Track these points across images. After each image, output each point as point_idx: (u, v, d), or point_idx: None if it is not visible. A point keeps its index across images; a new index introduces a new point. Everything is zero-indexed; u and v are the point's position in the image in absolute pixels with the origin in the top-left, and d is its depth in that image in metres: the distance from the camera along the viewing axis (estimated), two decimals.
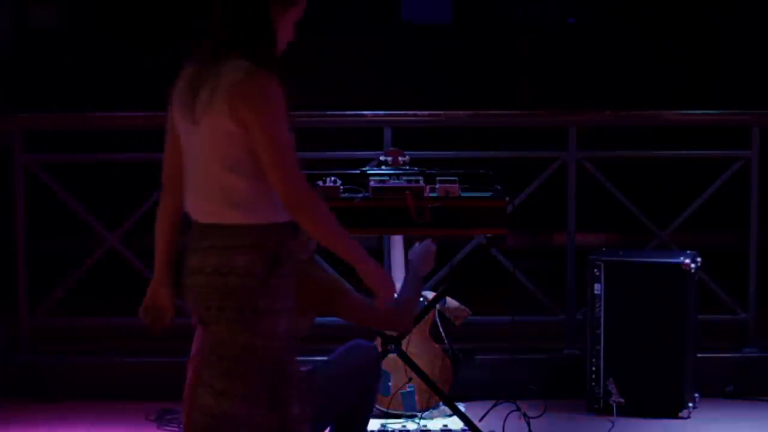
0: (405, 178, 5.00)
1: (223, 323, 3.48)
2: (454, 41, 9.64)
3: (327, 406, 4.27)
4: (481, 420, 5.36)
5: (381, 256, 5.95)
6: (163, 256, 3.74)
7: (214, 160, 3.48)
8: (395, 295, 3.75)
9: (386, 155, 5.21)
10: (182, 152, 3.59)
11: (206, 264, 3.49)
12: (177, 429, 5.40)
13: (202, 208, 3.53)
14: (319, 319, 6.05)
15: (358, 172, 5.09)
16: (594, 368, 5.68)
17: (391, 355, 5.13)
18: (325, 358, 4.45)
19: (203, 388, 3.53)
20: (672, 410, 5.60)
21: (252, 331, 3.47)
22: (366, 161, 5.82)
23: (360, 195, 4.95)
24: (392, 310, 4.30)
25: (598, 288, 5.66)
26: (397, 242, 5.63)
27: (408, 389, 5.47)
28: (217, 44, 3.53)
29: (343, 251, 3.51)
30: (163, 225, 3.72)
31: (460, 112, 6.33)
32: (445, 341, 5.48)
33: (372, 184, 4.95)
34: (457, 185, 4.94)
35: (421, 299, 5.55)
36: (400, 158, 5.16)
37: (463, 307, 5.55)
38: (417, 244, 4.70)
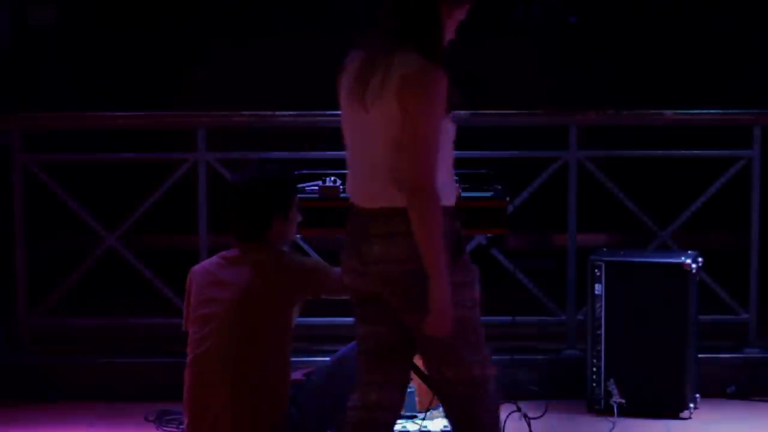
0: None
1: (412, 306, 3.65)
2: (454, 40, 9.61)
3: (328, 406, 4.25)
4: None
5: None
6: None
7: (383, 145, 3.65)
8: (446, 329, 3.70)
9: None
10: (347, 138, 3.78)
11: (391, 251, 3.65)
12: (176, 429, 5.39)
13: (370, 191, 3.71)
14: (319, 320, 6.07)
15: None
16: (595, 369, 5.67)
17: None
18: (327, 358, 4.43)
19: (432, 367, 3.78)
20: (673, 411, 5.59)
21: (458, 306, 3.64)
22: None
23: None
24: None
25: (598, 288, 5.65)
26: None
27: (408, 390, 5.46)
28: (389, 35, 3.69)
29: (431, 259, 3.58)
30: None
31: (460, 112, 6.29)
32: None
33: None
34: (457, 185, 4.92)
35: None
36: None
37: None
38: None
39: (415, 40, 3.67)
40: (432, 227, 3.58)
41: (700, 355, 5.70)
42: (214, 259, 4.27)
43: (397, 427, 5.40)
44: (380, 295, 3.75)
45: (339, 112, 6.20)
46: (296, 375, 4.36)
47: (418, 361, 5.17)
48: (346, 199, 4.88)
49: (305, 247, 5.27)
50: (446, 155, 3.73)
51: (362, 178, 3.76)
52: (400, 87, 3.62)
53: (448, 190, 3.72)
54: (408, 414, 5.47)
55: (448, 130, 3.73)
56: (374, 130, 3.67)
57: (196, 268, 4.28)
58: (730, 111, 6.33)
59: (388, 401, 3.88)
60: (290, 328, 4.17)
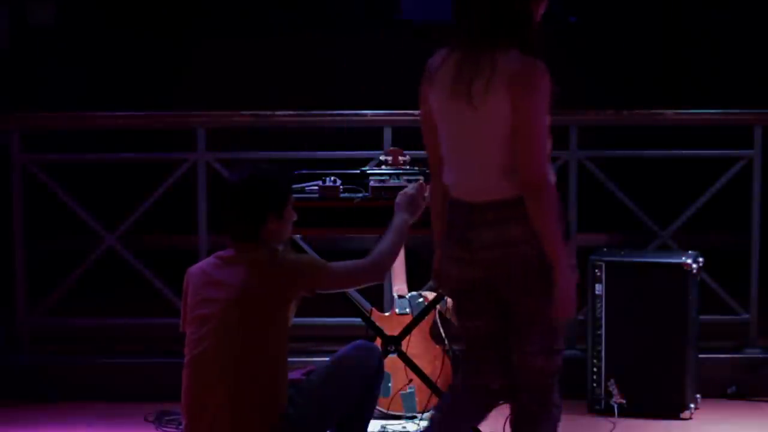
0: (405, 177, 4.98)
1: (524, 290, 3.82)
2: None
3: (328, 406, 4.24)
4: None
5: None
6: (439, 229, 4.05)
7: (492, 141, 3.79)
8: (570, 313, 3.85)
9: (386, 155, 5.19)
10: (445, 136, 3.91)
11: (500, 239, 3.80)
12: (176, 430, 5.38)
13: (477, 185, 3.85)
14: (319, 320, 6.07)
15: (358, 171, 5.06)
16: (595, 369, 5.67)
17: (391, 356, 5.11)
18: (327, 358, 4.42)
19: (527, 354, 3.91)
20: (673, 411, 5.59)
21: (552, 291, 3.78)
22: (366, 161, 5.80)
23: (360, 195, 4.92)
24: (373, 260, 4.30)
25: (599, 288, 5.64)
26: None
27: (408, 390, 5.46)
28: (486, 34, 3.81)
29: (553, 246, 3.75)
30: (438, 205, 4.05)
31: None
32: (446, 342, 5.46)
33: (372, 183, 4.93)
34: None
35: (421, 299, 5.54)
36: (400, 158, 5.14)
37: None
38: (406, 187, 4.61)
39: (512, 38, 3.81)
40: (552, 216, 3.75)
41: (700, 356, 5.69)
42: (209, 259, 4.26)
43: (397, 427, 5.40)
44: (487, 282, 3.89)
45: (339, 112, 6.27)
46: (295, 374, 4.35)
47: (418, 361, 5.17)
48: (346, 199, 4.91)
49: (305, 247, 5.26)
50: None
51: (467, 172, 3.89)
52: (509, 84, 3.76)
53: (552, 177, 3.85)
54: (408, 414, 5.46)
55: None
56: (482, 127, 3.81)
57: (192, 269, 4.27)
58: (730, 111, 6.31)
59: (493, 384, 4.07)
60: (287, 326, 4.16)
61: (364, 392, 4.32)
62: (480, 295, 3.94)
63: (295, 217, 4.31)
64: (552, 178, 3.82)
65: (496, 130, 3.80)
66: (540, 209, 3.75)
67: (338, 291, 4.38)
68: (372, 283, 4.35)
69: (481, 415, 4.19)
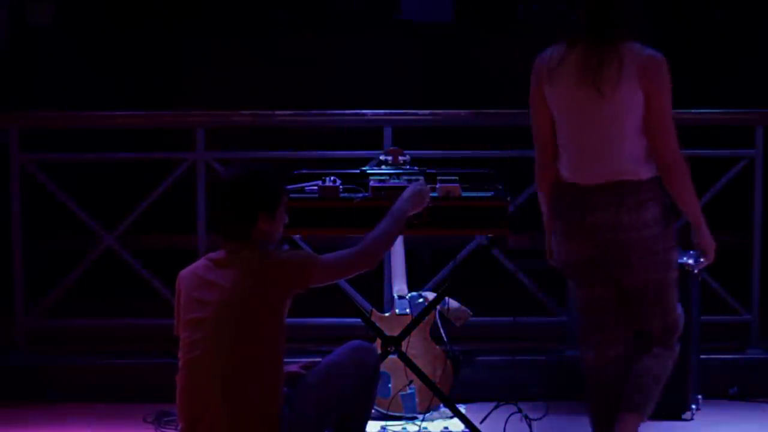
0: (405, 177, 4.97)
1: (641, 269, 4.29)
2: (455, 39, 9.60)
3: (324, 407, 4.22)
4: (482, 422, 5.33)
5: None
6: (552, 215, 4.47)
7: (623, 128, 4.23)
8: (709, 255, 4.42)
9: (386, 155, 5.18)
10: (568, 126, 4.31)
11: (620, 221, 4.26)
12: (174, 431, 5.36)
13: (597, 170, 4.27)
14: (318, 320, 6.05)
15: (358, 171, 5.05)
16: None
17: (392, 357, 5.09)
18: (323, 358, 4.40)
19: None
20: (675, 412, 5.56)
21: (668, 267, 4.32)
22: (366, 161, 5.78)
23: (360, 195, 4.91)
24: (365, 247, 4.30)
25: None
26: (397, 242, 5.60)
27: (408, 391, 5.44)
28: (610, 27, 4.24)
29: (692, 212, 4.33)
30: (547, 189, 4.48)
31: (461, 111, 6.29)
32: (446, 342, 5.45)
33: (372, 183, 4.92)
34: (457, 185, 4.90)
35: (421, 300, 5.52)
36: (400, 158, 5.14)
37: (464, 308, 5.53)
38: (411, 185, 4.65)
39: (632, 31, 4.26)
40: (689, 187, 4.27)
41: (702, 356, 5.67)
42: (201, 261, 4.24)
43: (397, 428, 5.39)
44: (618, 253, 4.31)
45: (339, 112, 6.25)
46: (293, 367, 4.33)
47: (418, 361, 5.15)
48: (346, 199, 4.89)
49: (305, 247, 5.24)
50: None
51: (592, 158, 4.29)
52: (639, 75, 4.22)
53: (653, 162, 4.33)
54: (408, 415, 5.45)
55: None
56: (612, 116, 4.23)
57: (184, 272, 4.25)
58: (732, 110, 6.29)
59: (620, 353, 4.49)
60: (282, 326, 4.14)
61: (361, 392, 4.29)
62: (596, 270, 4.39)
63: (286, 220, 4.29)
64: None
65: (626, 118, 4.23)
66: (680, 183, 4.26)
67: (332, 282, 4.34)
68: (365, 270, 4.31)
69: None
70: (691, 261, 5.53)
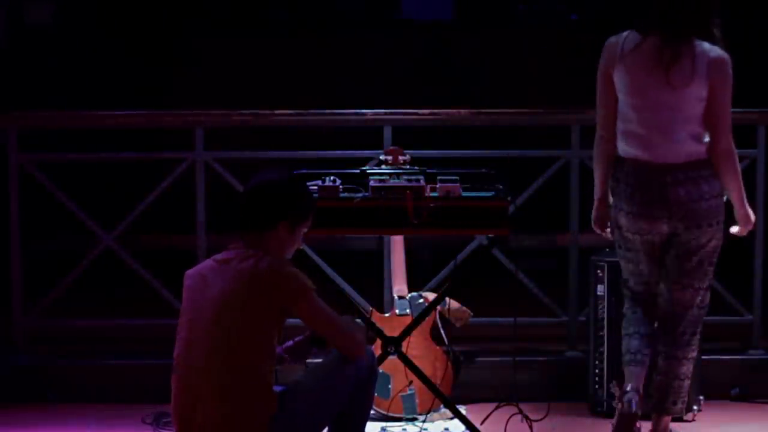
0: (405, 177, 4.95)
1: (705, 234, 4.77)
2: (456, 38, 9.59)
3: (319, 408, 4.20)
4: (482, 423, 5.31)
5: (381, 256, 5.90)
6: (604, 185, 4.91)
7: (688, 115, 4.69)
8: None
9: (386, 154, 5.17)
10: (636, 108, 4.73)
11: (701, 190, 4.73)
12: None
13: (672, 150, 4.72)
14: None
15: (358, 171, 5.03)
16: (597, 370, 5.63)
17: (391, 357, 5.07)
18: (320, 360, 4.38)
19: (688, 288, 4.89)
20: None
21: (720, 235, 4.79)
22: (366, 160, 5.76)
23: (360, 195, 4.89)
24: (359, 336, 4.29)
25: (601, 289, 5.60)
26: (397, 242, 5.59)
27: (408, 392, 5.42)
28: (688, 25, 4.67)
29: (740, 191, 4.80)
30: (604, 162, 4.88)
31: (462, 111, 6.27)
32: (446, 343, 5.43)
33: (372, 183, 4.90)
34: (458, 185, 4.88)
35: (422, 300, 5.50)
36: (400, 157, 5.13)
37: (464, 308, 5.52)
38: None
39: (703, 31, 4.69)
40: (738, 173, 4.77)
41: (703, 357, 5.65)
42: (207, 262, 4.24)
43: (397, 429, 5.37)
44: (672, 231, 4.78)
45: (338, 111, 6.22)
46: (279, 349, 4.30)
47: (418, 362, 5.13)
48: (346, 198, 4.87)
49: (305, 247, 5.22)
50: None
51: (661, 140, 4.72)
52: (709, 71, 4.66)
53: None
54: (408, 416, 5.43)
55: None
56: (680, 105, 4.68)
57: (190, 271, 4.24)
58: (734, 110, 6.25)
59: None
60: (277, 331, 4.12)
61: (358, 393, 4.26)
62: (658, 244, 4.83)
63: (302, 245, 4.30)
64: None
65: (692, 107, 4.69)
66: (731, 169, 4.75)
67: (310, 325, 4.26)
68: (344, 350, 4.25)
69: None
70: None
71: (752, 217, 4.88)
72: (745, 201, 4.85)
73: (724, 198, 4.82)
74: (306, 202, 4.30)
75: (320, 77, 9.26)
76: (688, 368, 4.91)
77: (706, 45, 4.69)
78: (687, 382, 4.92)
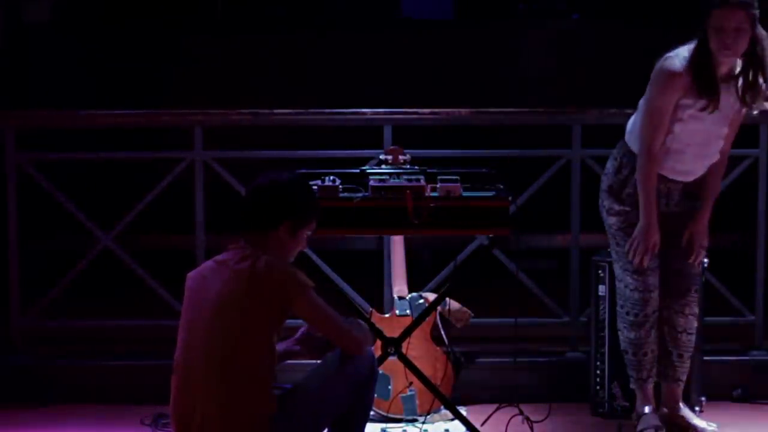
0: (405, 177, 4.94)
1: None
2: (456, 37, 9.57)
3: (318, 410, 4.19)
4: (483, 424, 5.30)
5: (381, 256, 5.88)
6: (654, 207, 5.08)
7: (723, 138, 5.07)
8: None
9: (386, 154, 5.17)
10: (689, 133, 5.01)
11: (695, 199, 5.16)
12: None
13: (699, 170, 5.10)
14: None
15: (358, 171, 5.02)
16: (599, 371, 5.62)
17: (392, 358, 5.05)
18: (320, 360, 4.36)
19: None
20: None
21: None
22: (366, 160, 5.75)
23: (359, 194, 4.87)
24: (358, 334, 4.27)
25: (602, 289, 5.59)
26: (397, 242, 5.57)
27: (408, 393, 5.41)
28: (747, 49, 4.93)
29: (716, 195, 5.21)
30: (652, 183, 5.06)
31: (462, 110, 6.25)
32: (447, 344, 5.42)
33: (372, 183, 4.88)
34: (458, 184, 4.86)
35: (422, 301, 5.49)
36: (400, 157, 5.13)
37: (464, 309, 5.51)
38: None
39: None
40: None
41: (705, 358, 5.64)
42: (208, 263, 4.23)
43: (397, 430, 5.35)
44: (683, 225, 5.19)
45: (338, 110, 6.20)
46: (280, 346, 4.28)
47: (418, 363, 5.11)
48: (346, 198, 4.85)
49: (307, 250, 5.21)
50: None
51: (702, 161, 5.09)
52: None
53: None
54: (408, 417, 5.42)
55: None
56: (722, 128, 5.05)
57: (192, 273, 4.24)
58: None
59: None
60: (276, 333, 4.11)
61: (356, 395, 4.25)
62: (677, 234, 5.19)
63: (304, 248, 4.28)
64: None
65: (728, 127, 5.07)
66: (722, 174, 5.20)
67: (310, 322, 4.27)
68: (346, 348, 4.25)
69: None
70: None
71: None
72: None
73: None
74: (311, 205, 4.30)
75: (320, 76, 9.24)
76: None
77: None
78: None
